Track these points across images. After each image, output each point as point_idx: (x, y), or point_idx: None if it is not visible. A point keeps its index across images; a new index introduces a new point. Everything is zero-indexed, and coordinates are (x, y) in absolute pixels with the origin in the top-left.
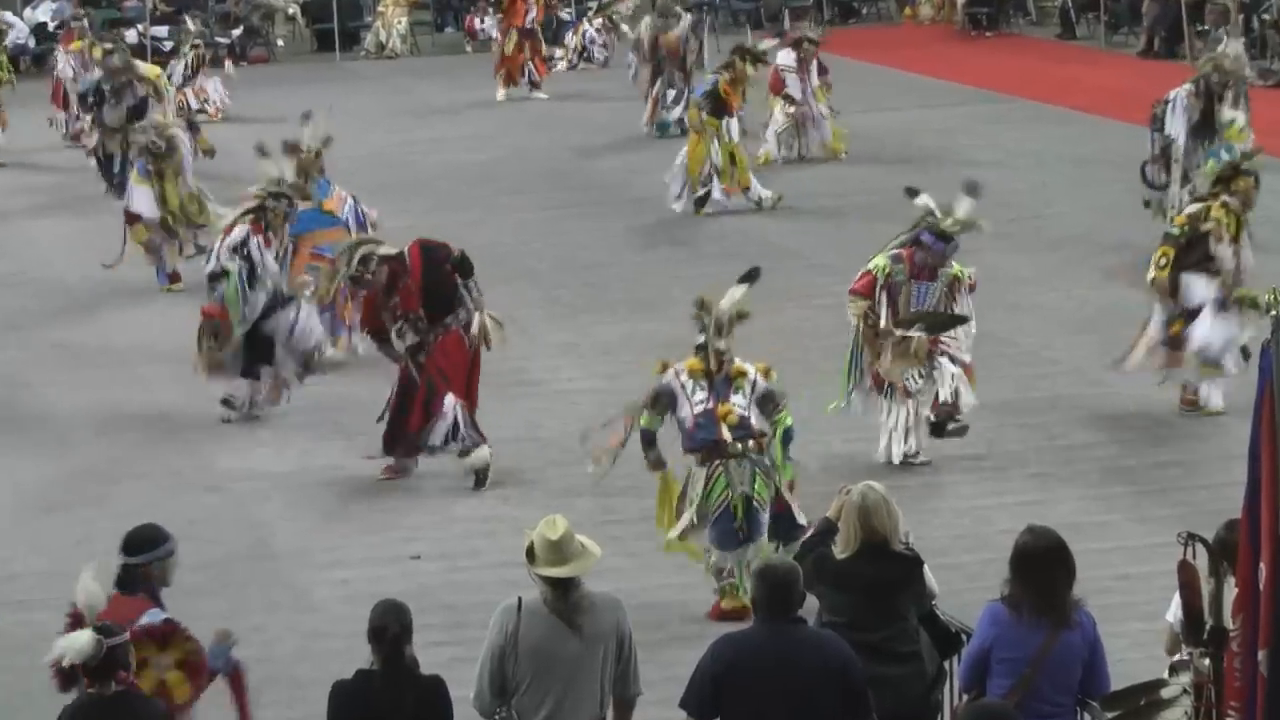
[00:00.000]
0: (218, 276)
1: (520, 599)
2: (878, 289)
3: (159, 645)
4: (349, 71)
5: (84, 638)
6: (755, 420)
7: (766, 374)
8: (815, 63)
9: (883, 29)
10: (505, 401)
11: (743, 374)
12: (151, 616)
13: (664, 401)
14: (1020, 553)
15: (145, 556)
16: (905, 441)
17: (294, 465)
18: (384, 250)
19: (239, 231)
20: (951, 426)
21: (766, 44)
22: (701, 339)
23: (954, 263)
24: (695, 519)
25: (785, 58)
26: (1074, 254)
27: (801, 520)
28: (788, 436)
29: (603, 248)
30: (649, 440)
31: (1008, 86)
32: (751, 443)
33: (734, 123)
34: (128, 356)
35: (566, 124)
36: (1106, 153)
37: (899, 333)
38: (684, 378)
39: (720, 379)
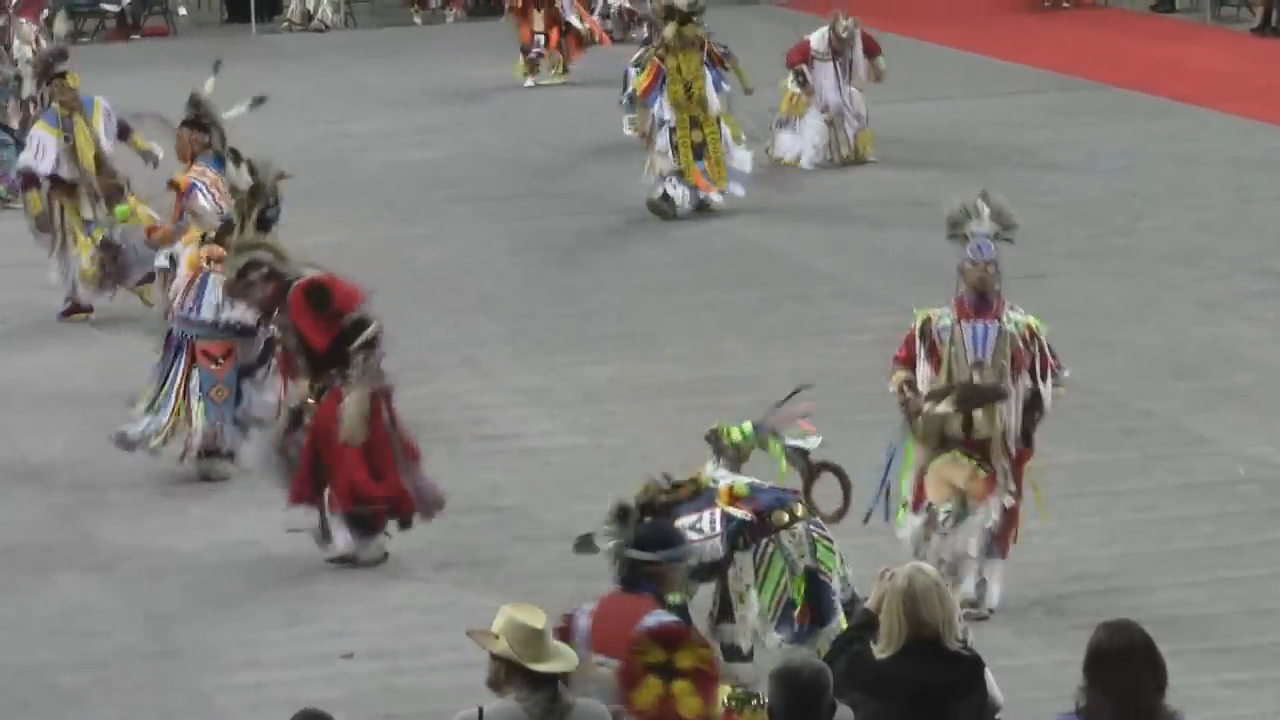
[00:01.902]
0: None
1: (481, 709)
2: (917, 345)
3: (667, 650)
4: (269, 47)
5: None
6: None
7: (730, 499)
8: (859, 45)
9: None
10: (460, 460)
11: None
12: (657, 617)
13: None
14: (1096, 653)
15: (659, 554)
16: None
17: (197, 540)
18: (279, 267)
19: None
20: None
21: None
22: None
23: (1019, 311)
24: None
25: (818, 39)
26: (1170, 279)
27: (838, 591)
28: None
29: (583, 268)
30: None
31: (1090, 70)
32: (798, 506)
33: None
34: None
35: (539, 115)
36: (1212, 152)
37: (927, 407)
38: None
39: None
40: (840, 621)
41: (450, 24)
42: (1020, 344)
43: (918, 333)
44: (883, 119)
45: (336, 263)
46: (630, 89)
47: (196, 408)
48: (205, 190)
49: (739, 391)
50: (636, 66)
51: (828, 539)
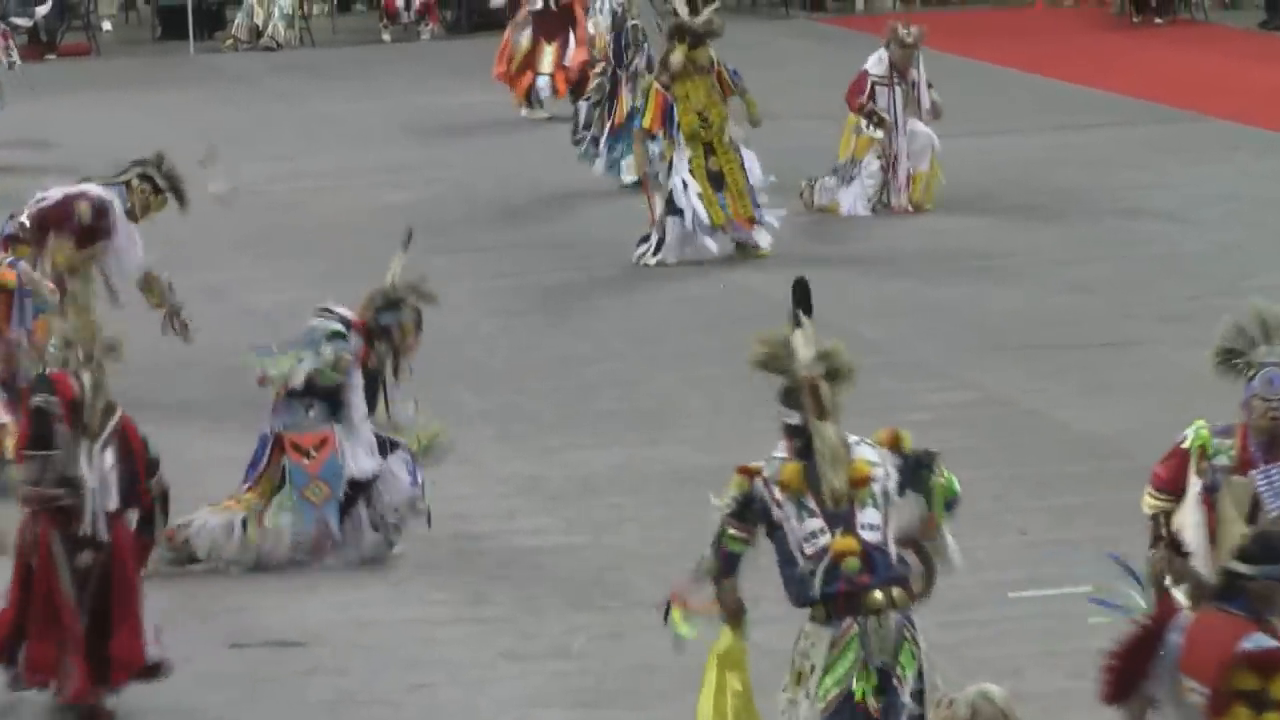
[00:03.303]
0: None
1: None
2: (1189, 475)
3: (1263, 677)
4: (209, 69)
5: None
6: (894, 538)
7: (895, 443)
8: (922, 65)
9: (1002, 12)
10: (435, 563)
11: (865, 477)
12: (1256, 641)
13: (755, 512)
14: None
15: (1262, 569)
16: None
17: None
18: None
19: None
20: None
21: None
22: (794, 420)
23: None
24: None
25: (875, 64)
26: None
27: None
28: (951, 502)
29: (583, 333)
30: (729, 566)
31: (1187, 97)
32: (898, 590)
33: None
34: None
35: (531, 151)
36: None
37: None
38: (778, 492)
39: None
40: None
41: (426, 42)
42: None
43: (1193, 461)
44: (941, 156)
45: (289, 327)
46: (602, 128)
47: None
48: None
49: None
50: (591, 101)
51: (915, 639)
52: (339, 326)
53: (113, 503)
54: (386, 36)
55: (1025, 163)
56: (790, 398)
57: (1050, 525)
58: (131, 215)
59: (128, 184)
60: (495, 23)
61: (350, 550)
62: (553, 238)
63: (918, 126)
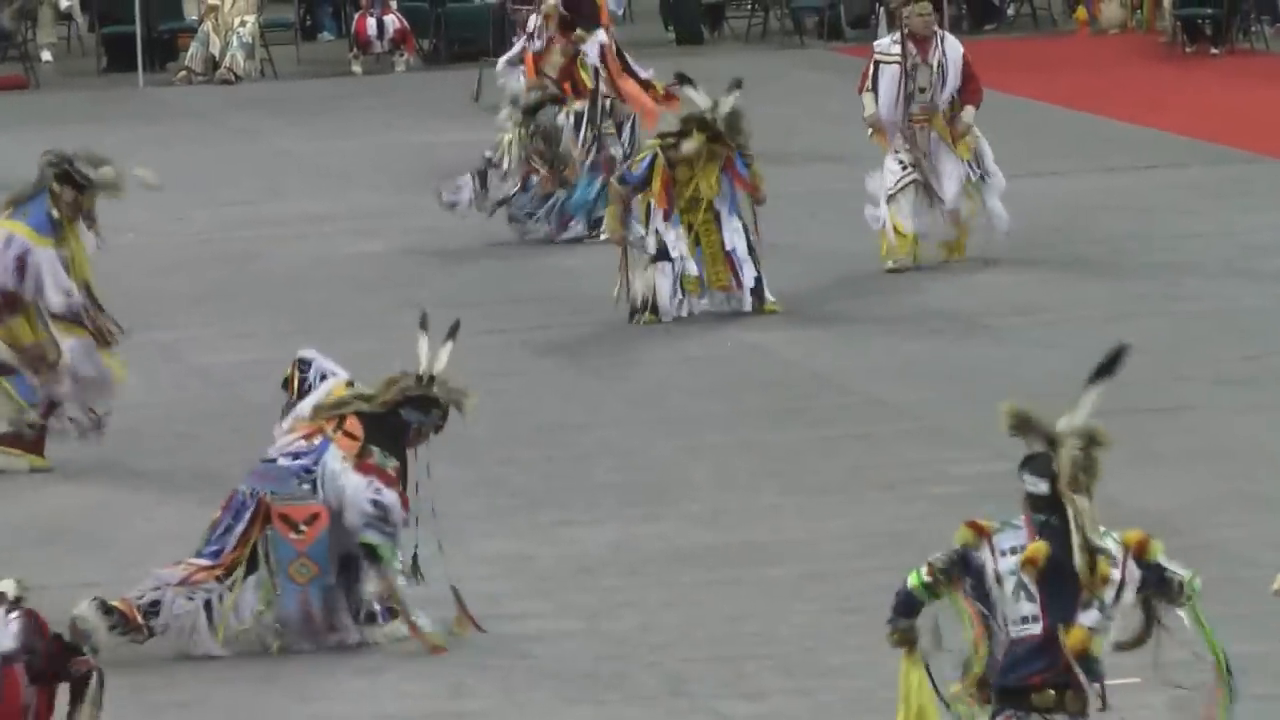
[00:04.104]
0: None
1: None
2: None
3: None
4: (160, 104)
5: None
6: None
7: (1142, 551)
8: (940, 46)
9: (1041, 40)
10: (408, 653)
11: (1104, 577)
12: None
13: (968, 571)
14: None
15: None
16: None
17: None
18: None
19: None
20: None
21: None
22: (1041, 489)
23: None
24: None
25: (884, 43)
26: None
27: None
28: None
29: (576, 397)
30: (908, 608)
31: (1246, 137)
32: (1070, 694)
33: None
34: None
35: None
36: None
37: None
38: (1006, 563)
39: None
40: None
41: (401, 74)
42: None
43: None
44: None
45: (248, 391)
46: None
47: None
48: None
49: (782, 561)
50: (493, 157)
51: None
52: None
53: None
54: (357, 68)
55: (1065, 209)
56: (1040, 465)
57: None
58: (59, 223)
59: (50, 191)
60: (476, 53)
61: (326, 637)
62: (540, 291)
63: (943, 154)
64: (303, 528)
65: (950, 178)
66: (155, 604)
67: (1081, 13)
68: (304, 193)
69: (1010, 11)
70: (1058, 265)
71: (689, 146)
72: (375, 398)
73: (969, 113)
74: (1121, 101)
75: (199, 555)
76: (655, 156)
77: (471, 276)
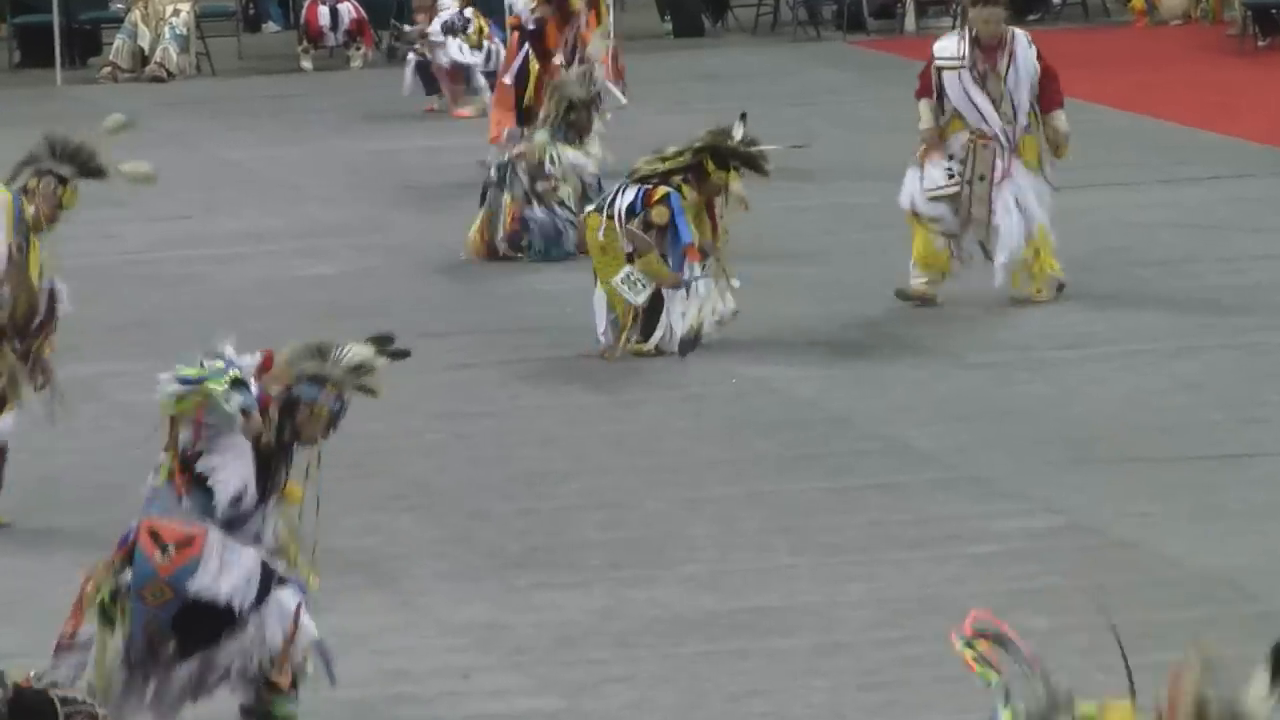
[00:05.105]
0: None
1: None
2: None
3: None
4: (81, 104)
5: None
6: None
7: None
8: (1009, 49)
9: (1094, 32)
10: None
11: None
12: None
13: None
14: None
15: None
16: None
17: None
18: None
19: None
20: None
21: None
22: None
23: None
24: None
25: (945, 46)
26: None
27: None
28: None
29: (557, 441)
30: None
31: None
32: None
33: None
34: None
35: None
36: None
37: None
38: None
39: None
40: None
41: (357, 70)
42: None
43: None
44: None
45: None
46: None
47: None
48: None
49: (794, 631)
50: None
51: None
52: (238, 373)
53: None
54: (307, 64)
55: (1120, 226)
56: None
57: (1155, 688)
58: (38, 222)
59: (24, 189)
60: None
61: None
62: (517, 319)
63: (1017, 169)
64: (171, 550)
65: (1008, 216)
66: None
67: (1138, 1)
68: (246, 206)
69: (1057, 0)
70: (1112, 290)
71: (718, 181)
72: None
73: (1060, 119)
74: (1184, 103)
75: None
76: (681, 197)
77: (438, 302)
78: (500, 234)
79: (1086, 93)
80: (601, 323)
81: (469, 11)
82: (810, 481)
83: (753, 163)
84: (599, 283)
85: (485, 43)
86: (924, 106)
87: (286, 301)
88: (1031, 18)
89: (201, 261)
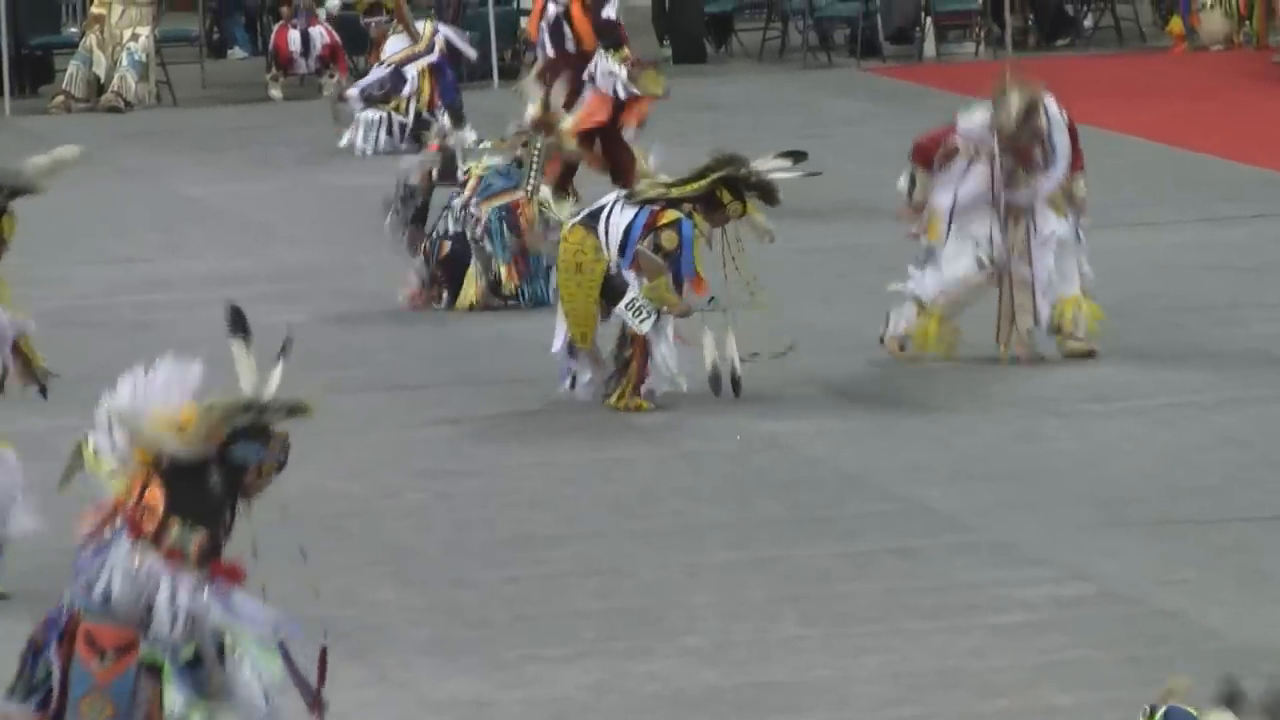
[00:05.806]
0: None
1: None
2: None
3: None
4: (31, 137)
5: None
6: None
7: None
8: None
9: (1129, 58)
10: None
11: None
12: None
13: None
14: None
15: None
16: None
17: None
18: None
19: None
20: None
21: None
22: None
23: None
24: None
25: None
26: None
27: None
28: None
29: (546, 502)
30: None
31: None
32: None
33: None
34: None
35: None
36: None
37: None
38: None
39: None
40: None
41: (330, 100)
42: None
43: None
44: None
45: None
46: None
47: None
48: None
49: (804, 707)
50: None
51: None
52: None
53: None
54: (276, 92)
55: (1157, 268)
56: None
57: None
58: None
59: None
60: None
61: None
62: (504, 370)
63: (1046, 216)
64: (109, 656)
65: (1043, 276)
66: None
67: (1177, 25)
68: (209, 247)
69: (1088, 23)
70: (1147, 339)
71: (735, 211)
72: (191, 440)
73: (1080, 186)
74: (1226, 135)
75: (24, 700)
76: (693, 225)
77: (417, 351)
78: (504, 289)
79: (1120, 124)
80: (559, 343)
81: (412, 69)
82: (821, 546)
83: (767, 191)
84: (561, 300)
85: (420, 110)
86: (922, 176)
87: (253, 351)
88: (1060, 43)
89: (158, 307)
